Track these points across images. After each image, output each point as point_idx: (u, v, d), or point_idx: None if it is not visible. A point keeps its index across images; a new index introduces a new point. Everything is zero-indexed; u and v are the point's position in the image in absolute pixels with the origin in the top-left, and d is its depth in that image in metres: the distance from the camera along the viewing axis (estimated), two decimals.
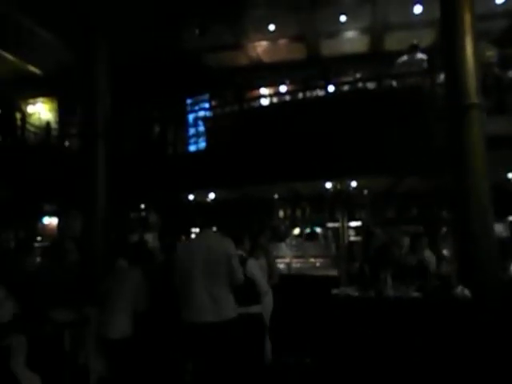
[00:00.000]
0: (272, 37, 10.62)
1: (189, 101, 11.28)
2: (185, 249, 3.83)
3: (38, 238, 10.19)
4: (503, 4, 8.90)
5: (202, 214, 3.94)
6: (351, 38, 10.62)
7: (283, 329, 4.79)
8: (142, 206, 11.25)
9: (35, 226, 10.95)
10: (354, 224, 9.79)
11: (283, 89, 11.21)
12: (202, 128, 10.05)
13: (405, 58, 8.25)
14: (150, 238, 9.88)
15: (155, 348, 4.04)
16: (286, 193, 9.95)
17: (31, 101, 13.11)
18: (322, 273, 7.56)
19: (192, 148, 10.17)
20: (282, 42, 10.87)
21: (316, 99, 9.06)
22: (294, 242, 9.68)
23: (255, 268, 4.33)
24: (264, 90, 11.56)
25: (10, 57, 10.85)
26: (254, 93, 11.37)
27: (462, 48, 4.97)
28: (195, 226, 3.86)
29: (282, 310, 4.89)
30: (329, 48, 10.98)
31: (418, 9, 9.26)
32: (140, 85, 10.85)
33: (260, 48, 11.18)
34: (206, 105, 10.83)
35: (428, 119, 6.73)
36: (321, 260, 8.80)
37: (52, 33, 9.82)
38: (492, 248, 4.66)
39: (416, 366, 3.76)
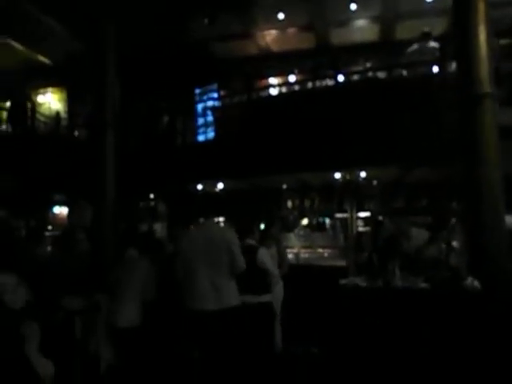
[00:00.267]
0: (281, 26, 10.52)
1: (197, 91, 11.26)
2: (187, 239, 3.86)
3: (49, 228, 10.30)
4: None
5: (211, 204, 3.95)
6: (361, 27, 10.48)
7: (291, 318, 4.82)
8: (151, 196, 11.31)
9: (46, 216, 11.06)
10: (362, 215, 9.75)
11: (292, 78, 11.12)
12: (210, 118, 10.03)
13: (416, 46, 8.12)
14: (159, 228, 9.96)
15: (163, 337, 4.08)
16: (295, 183, 9.92)
17: (41, 91, 13.18)
18: (330, 263, 7.57)
19: (201, 138, 10.17)
20: (291, 31, 10.76)
21: (325, 89, 8.98)
22: (302, 233, 9.69)
23: (266, 257, 4.37)
24: (273, 80, 11.49)
25: (19, 47, 10.89)
26: (263, 82, 11.30)
27: (475, 36, 4.88)
28: (204, 216, 3.86)
29: (290, 300, 4.91)
30: (338, 37, 10.86)
31: None
32: (148, 75, 10.84)
33: (269, 37, 11.08)
34: (215, 95, 10.81)
35: (439, 109, 6.65)
36: (329, 250, 8.81)
37: (61, 23, 9.82)
38: (503, 240, 4.61)
39: (424, 356, 3.76)
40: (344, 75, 9.22)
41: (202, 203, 4.02)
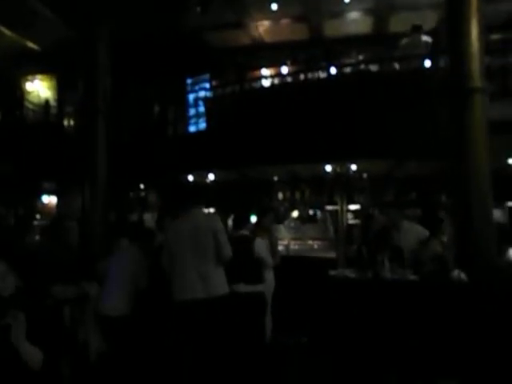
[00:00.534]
0: (274, 16, 10.44)
1: (189, 80, 11.17)
2: (172, 229, 3.85)
3: (37, 217, 10.22)
4: None
5: (199, 194, 3.95)
6: (355, 19, 10.45)
7: (281, 309, 4.85)
8: (141, 186, 11.25)
9: (34, 205, 10.96)
10: (352, 207, 9.81)
11: (285, 70, 11.09)
12: (202, 108, 9.97)
13: (408, 39, 8.13)
14: (149, 218, 9.92)
15: (153, 326, 4.09)
16: (286, 175, 9.94)
17: (30, 78, 12.96)
18: (320, 255, 7.62)
19: (192, 128, 10.12)
20: (285, 21, 10.70)
21: (318, 81, 8.97)
22: (292, 224, 9.73)
23: (263, 247, 4.40)
24: (265, 71, 11.44)
25: (7, 32, 10.68)
26: (255, 73, 11.24)
27: (468, 31, 4.90)
28: (191, 206, 3.85)
29: (280, 291, 4.94)
30: (332, 29, 10.82)
31: None
32: (140, 63, 10.72)
33: (262, 28, 11.00)
34: (207, 85, 10.72)
35: (430, 102, 6.68)
36: (319, 242, 8.86)
37: (51, 8, 9.64)
38: (490, 233, 4.68)
39: (412, 346, 3.82)
40: (336, 67, 9.21)
41: (190, 193, 3.99)
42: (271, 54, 11.37)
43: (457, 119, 4.91)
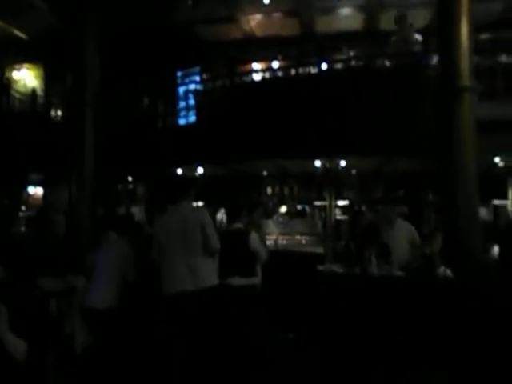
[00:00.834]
0: (266, 10, 10.41)
1: (179, 73, 11.07)
2: (160, 222, 3.87)
3: (23, 208, 10.09)
4: None
5: (191, 187, 3.93)
6: (346, 15, 10.46)
7: (268, 304, 4.87)
8: (130, 178, 11.17)
9: (20, 196, 10.81)
10: (341, 203, 9.87)
11: (275, 64, 11.07)
12: (192, 101, 9.90)
13: (395, 37, 8.15)
14: (137, 211, 9.87)
15: (140, 319, 4.08)
16: (275, 170, 9.95)
17: (16, 66, 12.73)
18: (308, 250, 7.65)
19: (181, 122, 10.05)
20: (276, 16, 10.67)
21: (308, 76, 8.97)
22: (280, 219, 9.75)
23: (257, 241, 4.42)
24: (256, 65, 11.40)
25: None
26: (246, 67, 11.20)
27: (458, 30, 4.94)
28: (179, 199, 3.85)
29: (267, 286, 4.95)
30: (323, 25, 10.82)
31: None
32: (130, 55, 10.61)
33: (253, 22, 10.96)
34: (197, 78, 10.64)
35: (420, 100, 6.73)
36: (307, 238, 8.89)
37: None
38: (476, 231, 4.75)
39: (398, 341, 3.86)
40: (327, 63, 9.22)
41: (179, 186, 3.98)
42: (262, 48, 11.34)
43: (445, 117, 4.95)
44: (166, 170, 9.70)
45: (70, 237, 5.02)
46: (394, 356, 3.85)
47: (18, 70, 12.80)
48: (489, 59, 7.02)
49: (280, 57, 11.11)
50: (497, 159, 8.07)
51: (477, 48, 5.29)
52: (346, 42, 10.80)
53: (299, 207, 10.21)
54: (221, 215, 9.75)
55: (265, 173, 10.33)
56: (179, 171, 9.86)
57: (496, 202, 9.31)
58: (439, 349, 3.73)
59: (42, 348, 2.28)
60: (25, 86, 12.42)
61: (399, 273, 4.47)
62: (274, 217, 9.76)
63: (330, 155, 8.23)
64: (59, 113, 11.06)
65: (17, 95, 11.47)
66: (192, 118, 9.70)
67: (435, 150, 5.09)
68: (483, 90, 6.08)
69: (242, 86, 9.54)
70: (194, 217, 3.69)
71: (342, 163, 8.76)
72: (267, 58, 11.10)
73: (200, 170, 9.78)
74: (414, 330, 3.88)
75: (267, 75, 10.01)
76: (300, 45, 10.94)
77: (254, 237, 4.37)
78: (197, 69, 10.74)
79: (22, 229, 5.87)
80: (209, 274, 3.64)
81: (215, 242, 3.67)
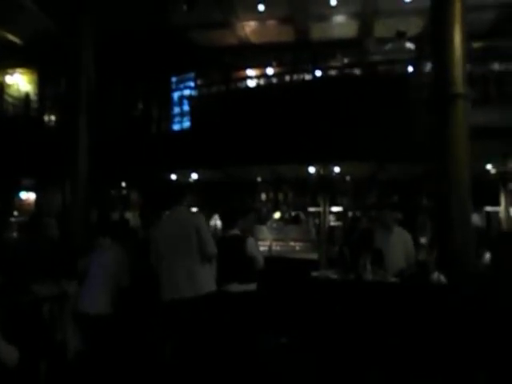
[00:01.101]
0: (261, 17, 10.46)
1: (174, 79, 11.08)
2: (158, 228, 3.86)
3: (15, 213, 10.00)
4: None
5: (187, 193, 3.92)
6: (340, 23, 10.55)
7: (262, 310, 4.85)
8: (123, 184, 11.12)
9: (12, 201, 10.72)
10: (335, 209, 9.89)
11: (270, 71, 11.12)
12: (186, 107, 9.91)
13: (392, 45, 8.25)
14: (131, 217, 9.82)
15: (134, 325, 4.04)
16: (269, 176, 9.96)
17: (10, 71, 12.67)
18: (302, 256, 7.64)
19: (176, 127, 10.05)
20: (271, 23, 10.73)
21: (303, 83, 9.02)
22: (275, 225, 9.74)
23: (255, 246, 4.40)
24: (251, 71, 11.44)
25: None
26: (241, 73, 11.24)
27: (451, 37, 4.98)
28: (178, 204, 3.85)
29: (261, 291, 4.93)
30: (317, 32, 10.90)
31: None
32: (125, 60, 10.60)
33: (248, 28, 11.01)
34: (192, 83, 10.66)
35: (413, 107, 6.78)
36: (301, 244, 8.88)
37: (34, 0, 9.45)
38: (469, 237, 4.77)
39: (392, 346, 3.86)
40: (322, 70, 9.28)
41: (175, 192, 3.97)
42: (257, 54, 11.38)
43: (439, 124, 4.98)
44: (160, 175, 9.68)
45: (63, 241, 4.98)
46: (389, 362, 3.84)
47: (12, 74, 12.74)
48: (482, 67, 7.10)
49: (275, 63, 11.17)
50: (489, 166, 8.14)
51: (470, 56, 5.34)
52: (340, 49, 10.86)
53: (293, 213, 10.20)
54: (214, 221, 9.72)
55: (259, 179, 10.34)
56: (173, 177, 9.84)
57: (488, 208, 9.38)
58: (433, 354, 3.73)
59: (34, 354, 2.25)
60: (18, 90, 12.36)
61: (393, 279, 4.47)
62: (268, 223, 9.75)
63: (324, 161, 8.26)
64: (53, 117, 11.02)
65: (10, 100, 11.42)
66: (186, 124, 9.71)
67: (429, 156, 5.12)
68: (476, 97, 6.15)
69: (236, 92, 9.57)
70: (190, 222, 3.68)
71: (336, 169, 8.79)
72: (262, 65, 11.16)
73: (194, 176, 9.76)
74: (409, 336, 3.88)
75: (262, 81, 10.06)
76: (295, 51, 10.99)
77: (251, 242, 4.36)
78: (191, 74, 10.77)
79: (14, 234, 5.81)
80: (206, 280, 3.62)
81: (212, 247, 3.66)
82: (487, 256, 5.52)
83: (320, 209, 9.67)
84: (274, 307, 5.12)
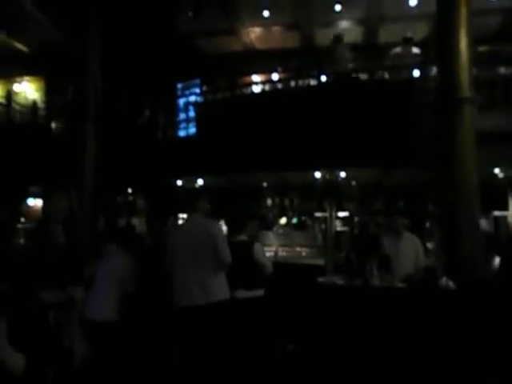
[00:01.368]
0: (266, 23, 10.51)
1: (179, 85, 11.14)
2: (173, 235, 3.87)
3: (22, 220, 10.05)
4: (499, 0, 8.91)
5: (203, 200, 3.90)
6: (345, 28, 10.55)
7: (268, 316, 4.82)
8: (129, 190, 11.15)
9: (19, 208, 10.78)
10: (341, 214, 9.84)
11: (275, 77, 11.14)
12: (192, 113, 9.95)
13: (397, 49, 8.24)
14: (137, 223, 9.83)
15: (141, 332, 4.03)
16: (275, 181, 9.94)
17: (18, 79, 12.82)
18: (308, 262, 7.61)
19: (181, 133, 10.08)
20: (276, 29, 10.77)
21: (308, 88, 9.02)
22: (280, 231, 9.72)
23: (262, 252, 4.40)
24: (256, 77, 11.48)
25: None
26: (246, 79, 11.28)
27: (457, 42, 4.98)
28: (183, 211, 3.86)
29: (267, 297, 4.91)
30: (323, 37, 10.90)
31: (413, 1, 9.23)
32: (131, 68, 10.68)
33: (254, 34, 11.06)
34: (197, 90, 10.71)
35: (419, 112, 6.76)
36: (307, 249, 8.85)
37: (41, 9, 9.56)
38: (477, 242, 4.73)
39: (399, 353, 3.82)
40: (327, 76, 9.27)
41: (190, 199, 3.97)
42: (262, 60, 11.41)
43: (445, 128, 4.97)
44: (166, 181, 9.70)
45: (70, 248, 4.99)
46: (396, 368, 3.80)
47: (19, 82, 12.88)
48: (488, 71, 7.07)
49: (280, 69, 11.19)
50: (497, 170, 8.08)
51: (476, 60, 5.32)
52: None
53: (298, 219, 10.16)
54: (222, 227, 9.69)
55: (265, 184, 10.32)
56: (179, 183, 9.85)
57: (496, 213, 9.29)
58: (441, 360, 3.69)
59: (41, 361, 2.25)
60: (25, 98, 12.48)
61: (401, 284, 4.43)
62: (274, 228, 9.73)
63: (329, 167, 8.24)
64: (60, 125, 11.10)
65: (17, 107, 11.53)
66: (192, 130, 9.74)
67: (435, 161, 5.09)
68: (483, 101, 6.11)
69: (241, 97, 9.59)
70: (205, 230, 3.66)
71: (342, 174, 8.76)
72: (267, 71, 11.19)
73: (200, 182, 9.76)
74: (416, 342, 3.84)
75: (267, 87, 10.08)
76: (300, 57, 11.01)
77: (257, 248, 4.35)
78: (197, 81, 10.82)
79: (21, 241, 5.83)
80: (220, 287, 3.60)
81: (227, 256, 3.62)
82: (496, 261, 5.47)
83: (326, 214, 9.62)
84: (281, 313, 5.10)
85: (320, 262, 7.15)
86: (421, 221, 8.43)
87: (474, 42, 5.10)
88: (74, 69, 6.60)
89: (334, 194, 9.45)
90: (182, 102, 10.64)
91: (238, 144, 8.14)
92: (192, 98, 10.47)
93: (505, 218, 9.15)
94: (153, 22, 9.85)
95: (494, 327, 3.79)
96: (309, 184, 9.67)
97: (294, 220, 10.25)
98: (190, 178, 9.37)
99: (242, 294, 4.05)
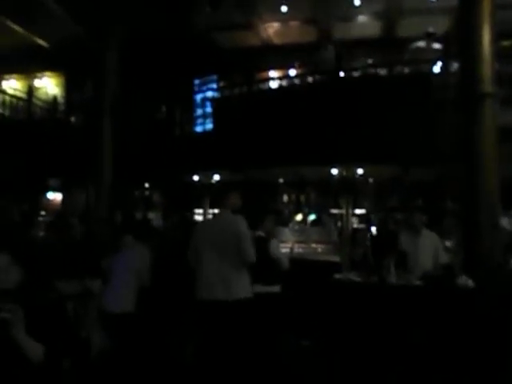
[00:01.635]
0: (284, 18, 10.46)
1: (197, 81, 11.18)
2: (199, 229, 3.88)
3: (42, 213, 10.24)
4: None
5: (230, 196, 3.90)
6: (364, 23, 10.44)
7: (284, 312, 4.82)
8: (146, 185, 11.26)
9: (39, 201, 10.99)
10: (358, 211, 9.77)
11: (293, 72, 11.08)
12: (209, 109, 9.98)
13: (418, 43, 8.11)
14: (153, 217, 9.93)
15: (157, 324, 4.07)
16: (291, 177, 9.91)
17: (38, 74, 13.03)
18: (325, 258, 7.56)
19: (198, 129, 10.13)
20: (294, 24, 10.71)
21: (326, 83, 8.95)
22: (296, 227, 9.68)
23: (278, 247, 4.39)
24: (273, 73, 11.44)
25: (17, 28, 10.73)
26: (263, 75, 11.25)
27: (480, 36, 4.85)
28: (199, 206, 3.87)
29: (283, 293, 4.90)
30: (341, 32, 10.81)
31: None
32: (148, 64, 10.75)
33: (271, 29, 11.02)
34: (214, 85, 10.74)
35: (438, 108, 6.64)
36: (323, 246, 8.79)
37: (61, 6, 9.68)
38: (498, 241, 4.63)
39: (416, 350, 3.78)
40: (345, 71, 9.18)
41: (217, 194, 3.98)
42: (280, 55, 11.36)
43: (466, 124, 4.86)
44: (183, 176, 9.75)
45: (87, 241, 5.06)
46: (412, 365, 3.76)
47: (40, 78, 13.09)
48: (510, 66, 6.90)
49: (297, 64, 11.12)
50: None
51: (499, 54, 5.19)
52: (363, 49, 10.75)
53: (316, 216, 10.10)
54: None
55: (281, 180, 10.30)
56: (196, 178, 9.90)
57: None
58: (458, 358, 3.63)
59: (58, 351, 2.28)
60: (46, 93, 12.69)
61: (418, 282, 4.37)
62: (290, 224, 9.70)
63: (346, 163, 8.17)
64: (79, 120, 11.26)
65: (38, 103, 11.72)
66: (209, 126, 9.78)
67: (454, 157, 4.99)
68: (505, 96, 5.97)
69: (259, 93, 9.57)
70: (232, 227, 3.65)
71: (359, 171, 8.68)
72: (284, 66, 11.14)
73: (216, 177, 9.80)
74: (433, 340, 3.79)
75: (284, 83, 10.03)
76: (318, 52, 10.93)
77: (274, 243, 4.33)
78: (214, 76, 10.85)
79: (41, 233, 5.94)
80: (242, 285, 3.59)
81: (251, 255, 3.60)
82: None
83: (342, 211, 9.56)
84: (297, 309, 5.09)
85: (336, 258, 7.10)
86: (439, 218, 8.30)
87: (497, 36, 4.97)
88: (93, 65, 6.67)
89: (350, 190, 9.37)
90: (199, 97, 10.69)
91: (254, 139, 8.13)
92: (209, 94, 10.51)
93: None
94: (170, 17, 9.88)
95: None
96: (325, 180, 9.62)
97: (312, 216, 10.19)
98: (206, 173, 9.42)
99: (258, 288, 4.04)
